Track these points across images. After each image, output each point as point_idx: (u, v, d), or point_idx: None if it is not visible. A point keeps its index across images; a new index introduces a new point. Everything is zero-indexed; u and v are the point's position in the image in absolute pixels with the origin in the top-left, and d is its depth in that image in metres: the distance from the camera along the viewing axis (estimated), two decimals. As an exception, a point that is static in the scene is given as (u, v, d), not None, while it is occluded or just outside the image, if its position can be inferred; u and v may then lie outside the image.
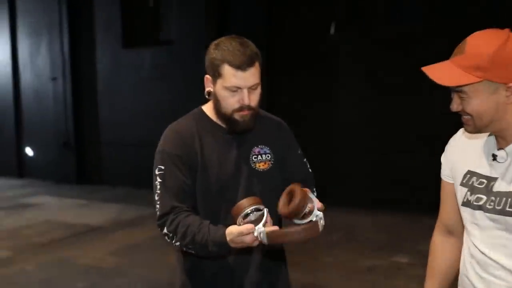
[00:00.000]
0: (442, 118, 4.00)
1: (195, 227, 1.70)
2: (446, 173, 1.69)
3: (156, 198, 1.80)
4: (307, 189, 1.67)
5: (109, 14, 9.20)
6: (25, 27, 10.13)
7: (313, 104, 7.56)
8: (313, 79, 7.52)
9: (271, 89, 7.61)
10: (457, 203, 1.62)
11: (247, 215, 1.62)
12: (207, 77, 1.81)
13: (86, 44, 9.54)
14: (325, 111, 7.49)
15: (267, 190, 1.86)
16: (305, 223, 1.62)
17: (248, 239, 1.59)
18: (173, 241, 1.75)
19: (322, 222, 1.62)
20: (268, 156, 1.90)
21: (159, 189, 1.80)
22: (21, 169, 10.41)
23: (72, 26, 9.59)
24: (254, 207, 1.63)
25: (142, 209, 7.41)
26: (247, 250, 1.78)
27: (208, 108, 1.91)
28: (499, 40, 1.38)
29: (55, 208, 7.92)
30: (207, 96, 1.87)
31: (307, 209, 1.62)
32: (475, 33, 1.43)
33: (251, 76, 1.74)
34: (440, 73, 1.42)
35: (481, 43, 1.39)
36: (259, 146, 1.90)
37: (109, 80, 9.35)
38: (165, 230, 1.77)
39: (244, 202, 1.63)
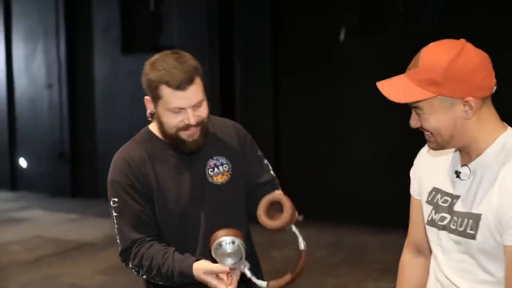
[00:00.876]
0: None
1: (159, 258, 1.71)
2: (414, 189, 1.70)
3: (116, 232, 1.82)
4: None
5: (108, 19, 9.27)
6: (21, 31, 10.23)
7: (323, 114, 7.54)
8: (322, 85, 7.50)
9: (278, 97, 7.64)
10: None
11: (220, 245, 1.61)
12: (147, 98, 1.82)
13: (83, 50, 9.62)
14: (335, 121, 7.46)
15: (230, 203, 1.87)
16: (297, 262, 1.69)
17: (216, 282, 1.61)
18: (140, 275, 1.79)
19: (303, 245, 1.68)
20: (225, 167, 1.89)
21: (117, 223, 1.82)
22: (13, 181, 10.46)
23: (69, 30, 9.67)
24: (230, 238, 1.61)
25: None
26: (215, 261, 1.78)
27: (155, 128, 1.90)
28: (452, 52, 1.36)
29: (46, 223, 7.99)
30: (149, 118, 1.88)
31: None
32: (430, 45, 1.43)
33: (193, 94, 1.73)
34: (393, 88, 1.42)
35: (435, 55, 1.38)
36: (214, 157, 1.89)
37: (107, 88, 9.41)
38: (130, 265, 1.80)
39: (219, 232, 1.62)
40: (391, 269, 5.54)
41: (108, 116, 9.43)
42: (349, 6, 7.45)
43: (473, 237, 1.41)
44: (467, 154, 1.48)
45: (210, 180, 1.86)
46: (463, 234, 1.43)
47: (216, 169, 1.87)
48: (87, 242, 6.82)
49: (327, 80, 7.38)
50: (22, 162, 10.43)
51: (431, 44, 1.43)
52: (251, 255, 1.93)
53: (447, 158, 1.57)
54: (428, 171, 1.62)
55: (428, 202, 1.58)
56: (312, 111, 7.56)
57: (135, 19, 9.27)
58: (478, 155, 1.45)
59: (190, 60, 1.75)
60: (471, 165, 1.46)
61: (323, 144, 7.40)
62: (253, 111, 7.76)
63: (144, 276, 1.77)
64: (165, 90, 1.71)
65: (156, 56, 1.78)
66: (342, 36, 7.39)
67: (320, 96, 7.49)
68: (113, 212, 1.82)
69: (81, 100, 9.75)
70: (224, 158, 1.89)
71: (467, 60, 1.36)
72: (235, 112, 7.93)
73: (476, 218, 1.41)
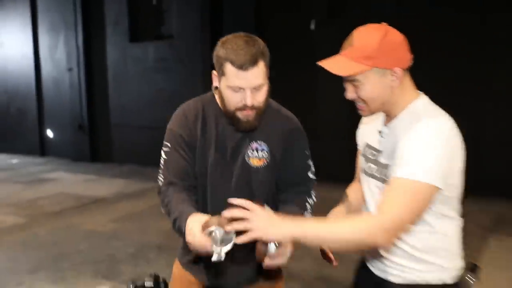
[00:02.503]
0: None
1: (174, 203, 1.59)
2: (358, 143, 1.70)
3: (160, 171, 1.70)
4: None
5: (117, 12, 9.15)
6: (45, 25, 10.09)
7: (297, 98, 7.51)
8: (296, 73, 7.47)
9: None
10: None
11: (210, 233, 1.38)
12: (214, 73, 1.63)
13: (97, 39, 9.51)
14: (308, 105, 7.44)
15: (258, 187, 1.69)
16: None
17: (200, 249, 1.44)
18: (162, 210, 1.67)
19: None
20: (264, 154, 1.68)
21: (163, 165, 1.69)
22: (43, 148, 10.43)
23: (85, 23, 9.55)
24: (217, 228, 1.37)
25: (144, 183, 7.46)
26: None
27: (218, 97, 1.71)
28: (381, 32, 1.38)
29: (69, 182, 7.98)
30: (213, 91, 1.70)
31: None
32: (359, 28, 1.42)
33: (254, 76, 1.52)
34: (335, 65, 1.40)
35: (367, 36, 1.38)
36: (258, 141, 1.68)
37: (118, 71, 9.34)
38: (161, 199, 1.68)
39: (212, 220, 1.40)
40: None
41: (119, 94, 9.39)
42: (317, 3, 7.40)
43: (387, 182, 1.42)
44: (389, 116, 1.49)
45: (247, 159, 1.68)
46: (383, 180, 1.46)
47: (255, 152, 1.68)
48: (102, 197, 6.82)
49: (301, 66, 7.35)
50: (49, 133, 10.38)
51: (360, 28, 1.42)
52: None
53: (377, 119, 1.58)
54: (364, 131, 1.65)
55: (362, 155, 1.61)
56: (288, 90, 7.54)
57: (140, 13, 9.13)
58: (395, 117, 1.46)
59: (258, 44, 1.55)
60: (389, 125, 1.48)
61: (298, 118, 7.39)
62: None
63: (163, 211, 1.65)
64: (229, 68, 1.52)
65: (229, 36, 1.58)
66: (312, 26, 7.35)
67: (295, 78, 7.47)
68: (163, 154, 1.69)
69: (96, 80, 9.67)
70: (266, 145, 1.69)
71: (393, 38, 1.39)
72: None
73: (387, 167, 1.44)
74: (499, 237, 4.87)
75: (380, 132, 1.52)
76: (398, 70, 1.39)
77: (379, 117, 1.57)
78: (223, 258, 1.37)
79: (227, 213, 1.36)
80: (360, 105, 1.46)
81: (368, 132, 1.61)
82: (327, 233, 1.30)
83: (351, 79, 1.41)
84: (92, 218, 5.78)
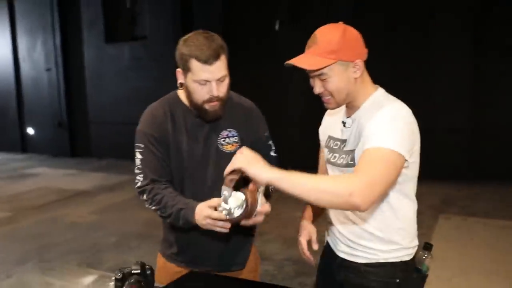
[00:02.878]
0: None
1: (170, 198, 1.60)
2: (321, 139, 1.73)
3: (137, 171, 1.67)
4: (254, 188, 1.42)
5: (93, 14, 8.95)
6: (23, 27, 9.79)
7: (263, 96, 7.53)
8: (262, 71, 7.48)
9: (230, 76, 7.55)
10: None
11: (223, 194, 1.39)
12: (179, 70, 1.62)
13: (74, 40, 9.28)
14: (274, 102, 7.45)
15: None
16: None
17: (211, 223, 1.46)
18: (151, 206, 1.65)
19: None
20: (235, 139, 1.72)
21: (140, 164, 1.67)
22: (23, 145, 10.16)
23: (62, 25, 9.31)
24: (227, 188, 1.39)
25: (122, 176, 7.37)
26: None
27: (182, 94, 1.72)
28: (340, 29, 1.42)
29: (50, 177, 7.80)
30: (179, 87, 1.71)
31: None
32: (320, 28, 1.45)
33: (218, 69, 1.55)
34: (305, 62, 1.42)
35: (329, 33, 1.42)
36: (227, 129, 1.72)
37: (95, 70, 9.15)
38: (144, 197, 1.67)
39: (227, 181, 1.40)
40: None
41: (96, 92, 9.21)
42: (281, 5, 7.43)
43: (353, 166, 1.46)
44: (350, 108, 1.52)
45: (221, 147, 1.70)
46: (347, 165, 1.49)
47: (227, 139, 1.71)
48: (83, 190, 6.71)
49: (266, 64, 7.37)
50: (30, 130, 10.10)
51: (321, 27, 1.45)
52: (250, 227, 1.74)
53: (338, 113, 1.61)
54: (326, 125, 1.68)
55: (326, 146, 1.64)
56: (255, 87, 7.56)
57: (115, 15, 8.95)
58: (358, 108, 1.50)
59: (217, 39, 1.58)
60: (353, 116, 1.52)
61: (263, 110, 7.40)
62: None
63: (153, 208, 1.65)
64: (194, 64, 1.54)
65: (189, 34, 1.59)
66: (277, 26, 7.37)
67: (261, 75, 7.49)
68: (138, 155, 1.68)
69: (74, 80, 9.45)
70: (235, 131, 1.73)
71: (351, 33, 1.43)
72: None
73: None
74: (447, 216, 5.04)
75: (343, 123, 1.55)
76: (359, 62, 1.43)
77: (340, 111, 1.60)
78: (235, 215, 1.40)
79: (227, 171, 1.40)
80: (326, 98, 1.48)
81: (330, 125, 1.64)
82: (306, 182, 1.26)
83: (318, 74, 1.43)
84: (74, 210, 5.68)
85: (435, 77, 6.57)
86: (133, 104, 8.57)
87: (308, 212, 1.73)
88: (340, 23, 1.45)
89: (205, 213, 1.48)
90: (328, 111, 1.71)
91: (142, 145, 1.67)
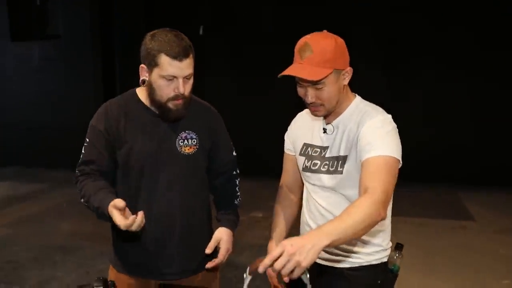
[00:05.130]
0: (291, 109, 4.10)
1: (92, 191, 1.55)
2: (288, 147, 1.72)
3: (77, 165, 1.67)
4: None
5: (-4, 10, 8.24)
6: None
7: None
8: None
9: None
10: (298, 169, 1.66)
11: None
12: (142, 66, 1.59)
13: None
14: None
15: (192, 173, 1.70)
16: None
17: (117, 217, 1.42)
18: (80, 199, 1.61)
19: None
20: (194, 141, 1.69)
21: (81, 159, 1.66)
22: None
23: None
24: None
25: (34, 185, 6.78)
26: (169, 223, 1.66)
27: (141, 92, 1.68)
28: (332, 38, 1.42)
29: None
30: (141, 85, 1.65)
31: None
32: (311, 37, 1.43)
33: (186, 66, 1.54)
34: (304, 72, 1.40)
35: (322, 42, 1.41)
36: (186, 131, 1.68)
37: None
38: (78, 190, 1.64)
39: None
40: (244, 206, 5.54)
41: (1, 93, 8.45)
42: (204, 10, 7.40)
43: (340, 172, 1.48)
44: (331, 115, 1.53)
45: (178, 148, 1.66)
46: (334, 172, 1.50)
47: (186, 141, 1.67)
48: (-12, 202, 6.09)
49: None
50: None
51: (311, 36, 1.43)
52: (208, 231, 1.79)
53: (313, 121, 1.61)
54: (300, 132, 1.66)
55: (302, 154, 1.62)
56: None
57: (22, 12, 8.29)
58: (339, 114, 1.52)
59: (186, 38, 1.57)
60: (334, 122, 1.53)
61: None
62: (131, 86, 7.41)
63: (81, 200, 1.61)
64: (163, 58, 1.51)
65: (156, 30, 1.57)
66: (201, 31, 7.32)
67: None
68: (82, 150, 1.66)
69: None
70: (194, 134, 1.69)
71: (340, 41, 1.45)
72: (116, 86, 7.56)
73: (343, 158, 1.48)
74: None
75: (324, 129, 1.55)
76: (349, 70, 1.45)
77: (313, 119, 1.61)
78: None
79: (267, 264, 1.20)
80: (316, 106, 1.47)
81: (304, 133, 1.64)
82: (350, 228, 1.25)
83: (314, 83, 1.42)
84: (-21, 225, 5.12)
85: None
86: (43, 107, 8.02)
87: (278, 231, 1.68)
88: (325, 31, 1.46)
89: (114, 219, 1.42)
90: (296, 119, 1.71)
91: (87, 139, 1.66)
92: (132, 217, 1.41)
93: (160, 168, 1.65)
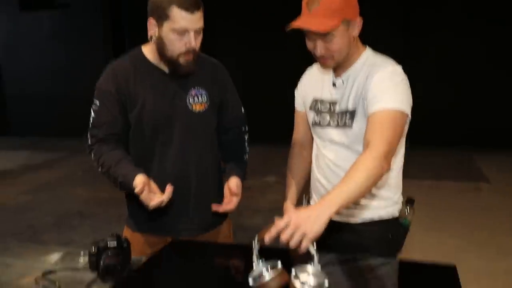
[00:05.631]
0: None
1: (114, 161, 1.54)
2: (298, 103, 1.69)
3: (89, 128, 1.62)
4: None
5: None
6: None
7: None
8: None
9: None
10: (308, 125, 1.64)
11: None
12: (151, 20, 1.52)
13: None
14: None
15: (203, 130, 1.68)
16: None
17: (145, 196, 1.47)
18: (98, 169, 1.60)
19: None
20: (204, 98, 1.65)
21: (91, 123, 1.61)
22: None
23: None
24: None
25: (50, 154, 6.91)
26: (184, 181, 1.65)
27: (147, 50, 1.63)
28: None
29: (-35, 157, 7.14)
30: (150, 40, 1.59)
31: None
32: None
33: (198, 19, 1.49)
34: (313, 24, 1.35)
35: None
36: (196, 88, 1.64)
37: (10, 41, 8.42)
38: (92, 157, 1.61)
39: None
40: (257, 170, 5.50)
41: (13, 64, 8.51)
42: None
43: (350, 127, 1.46)
44: (340, 68, 1.49)
45: (190, 107, 1.63)
46: (343, 126, 1.47)
47: (196, 98, 1.64)
48: (7, 171, 6.21)
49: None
50: None
51: None
52: (219, 188, 1.75)
53: (322, 75, 1.58)
54: (309, 88, 1.63)
55: (311, 109, 1.60)
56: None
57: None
58: (348, 67, 1.48)
59: None
60: (344, 76, 1.49)
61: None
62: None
63: (100, 170, 1.60)
64: (175, 11, 1.46)
65: None
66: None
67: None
68: (92, 113, 1.61)
69: (-14, 52, 8.63)
70: (204, 90, 1.65)
71: None
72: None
73: (352, 113, 1.46)
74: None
75: (333, 83, 1.53)
76: (359, 20, 1.40)
77: (324, 72, 1.58)
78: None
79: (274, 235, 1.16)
80: (325, 58, 1.43)
81: (313, 87, 1.61)
82: (354, 192, 1.24)
83: (323, 35, 1.37)
84: (0, 192, 5.25)
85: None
86: (55, 77, 8.05)
87: (292, 191, 1.67)
88: None
89: (136, 187, 1.46)
90: (305, 74, 1.68)
91: (97, 102, 1.61)
92: (159, 199, 1.46)
93: (172, 126, 1.63)
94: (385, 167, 1.30)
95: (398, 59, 1.50)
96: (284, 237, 1.13)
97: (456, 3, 6.53)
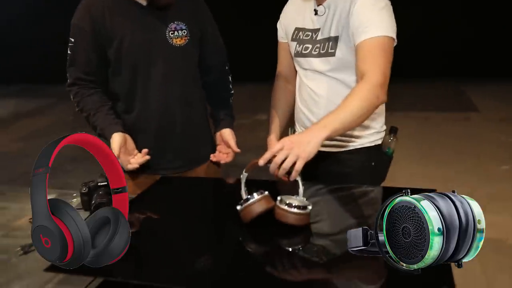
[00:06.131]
0: None
1: (93, 109, 1.55)
2: (281, 35, 1.67)
3: (67, 67, 1.60)
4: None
5: None
6: None
7: None
8: None
9: None
10: (291, 56, 1.63)
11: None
12: None
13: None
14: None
15: (185, 65, 1.65)
16: None
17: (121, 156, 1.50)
18: (78, 112, 1.60)
19: None
20: (184, 32, 1.61)
21: (68, 61, 1.58)
22: None
23: None
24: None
25: (39, 101, 6.84)
26: (169, 117, 1.65)
27: None
28: None
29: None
30: None
31: None
32: None
33: None
34: None
35: None
36: (175, 22, 1.60)
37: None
38: (72, 99, 1.60)
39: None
40: (247, 109, 5.48)
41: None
42: None
43: (333, 54, 1.45)
44: None
45: (169, 41, 1.59)
46: (326, 54, 1.46)
47: (176, 33, 1.60)
48: (-3, 119, 6.19)
49: None
50: None
51: None
52: (205, 125, 1.78)
53: (304, 4, 1.55)
54: (290, 18, 1.61)
55: (293, 39, 1.58)
56: None
57: None
58: None
59: None
60: (325, 3, 1.47)
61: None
62: None
63: (80, 113, 1.61)
64: None
65: None
66: None
67: None
68: (68, 51, 1.58)
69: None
70: (184, 25, 1.62)
71: None
72: None
73: (335, 39, 1.44)
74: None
75: (315, 11, 1.50)
76: None
77: (300, 2, 1.55)
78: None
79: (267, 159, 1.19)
80: None
81: (295, 17, 1.58)
82: (348, 119, 1.26)
83: None
84: (-8, 140, 5.26)
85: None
86: (35, 23, 7.80)
87: (276, 124, 1.66)
88: None
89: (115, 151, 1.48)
90: (287, 4, 1.64)
91: (72, 39, 1.57)
92: (135, 164, 1.52)
93: (153, 62, 1.60)
94: (381, 98, 1.32)
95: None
96: (278, 159, 1.17)
97: None
